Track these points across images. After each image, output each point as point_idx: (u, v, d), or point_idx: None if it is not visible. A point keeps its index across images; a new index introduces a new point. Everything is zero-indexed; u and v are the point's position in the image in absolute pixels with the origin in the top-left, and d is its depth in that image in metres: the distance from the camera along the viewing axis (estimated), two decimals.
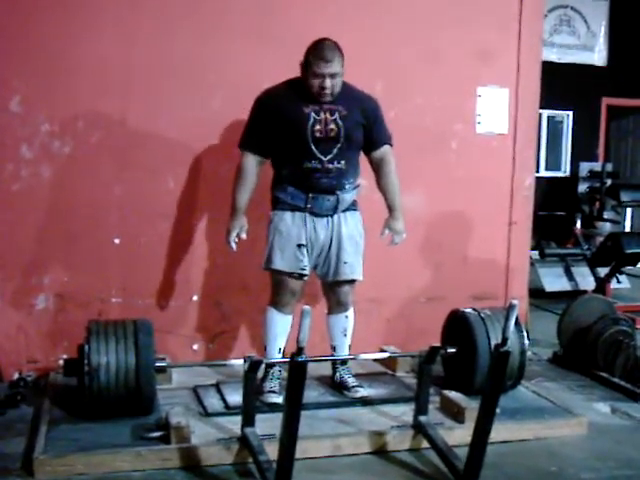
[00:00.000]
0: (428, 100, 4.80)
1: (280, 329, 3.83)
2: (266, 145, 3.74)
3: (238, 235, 3.75)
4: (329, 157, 3.67)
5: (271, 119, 3.68)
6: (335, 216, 3.78)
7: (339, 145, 3.67)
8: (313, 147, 3.64)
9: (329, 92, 3.60)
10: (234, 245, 3.76)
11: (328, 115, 3.65)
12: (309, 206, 3.72)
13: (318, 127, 3.63)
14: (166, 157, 4.39)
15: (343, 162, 3.70)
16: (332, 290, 3.93)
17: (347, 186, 3.76)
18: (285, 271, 3.74)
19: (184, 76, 4.37)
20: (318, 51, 3.57)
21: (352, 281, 3.90)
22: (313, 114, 3.64)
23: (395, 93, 4.68)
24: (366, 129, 3.78)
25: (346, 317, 3.96)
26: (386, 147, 3.86)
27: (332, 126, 3.65)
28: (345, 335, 3.97)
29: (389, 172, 3.85)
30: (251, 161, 3.75)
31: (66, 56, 4.20)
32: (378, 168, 3.86)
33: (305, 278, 3.80)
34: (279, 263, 3.74)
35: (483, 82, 4.92)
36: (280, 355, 3.83)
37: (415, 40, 4.74)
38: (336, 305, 3.95)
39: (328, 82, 3.58)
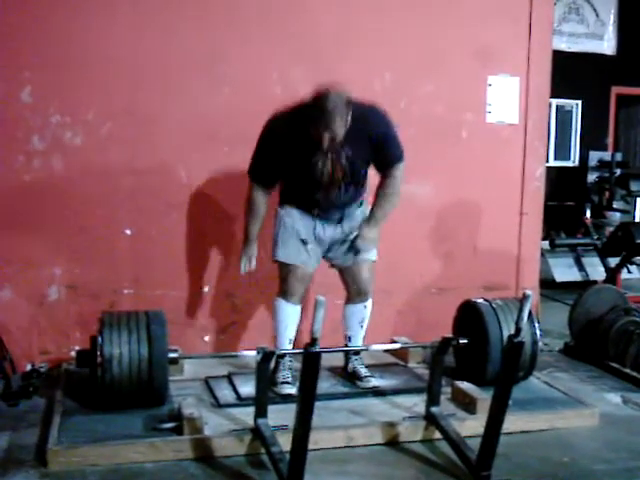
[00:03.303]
0: (438, 89, 4.78)
1: (289, 319, 3.84)
2: (274, 177, 3.76)
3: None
4: (334, 192, 3.67)
5: (279, 155, 3.60)
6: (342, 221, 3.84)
7: (345, 183, 3.66)
8: (320, 186, 3.64)
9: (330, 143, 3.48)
10: (243, 271, 3.91)
11: (335, 160, 3.55)
12: (315, 213, 3.78)
13: (326, 173, 3.57)
14: (177, 148, 4.39)
15: (349, 194, 3.72)
16: (352, 277, 3.92)
17: (353, 204, 3.82)
18: (287, 262, 3.78)
19: (194, 67, 4.36)
20: (319, 116, 3.35)
21: (371, 263, 3.91)
22: (320, 162, 3.54)
23: (405, 81, 4.67)
24: (376, 157, 3.67)
25: (365, 307, 3.96)
26: (395, 166, 3.72)
27: (339, 172, 3.58)
28: (362, 326, 3.98)
29: (389, 187, 3.72)
30: (260, 194, 3.75)
31: (76, 47, 4.19)
32: (383, 179, 3.76)
33: (309, 272, 3.83)
34: (281, 254, 3.80)
35: (494, 71, 4.89)
36: (290, 345, 3.84)
37: (426, 28, 4.72)
38: (356, 294, 3.94)
39: (328, 141, 3.43)
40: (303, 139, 3.48)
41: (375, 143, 3.61)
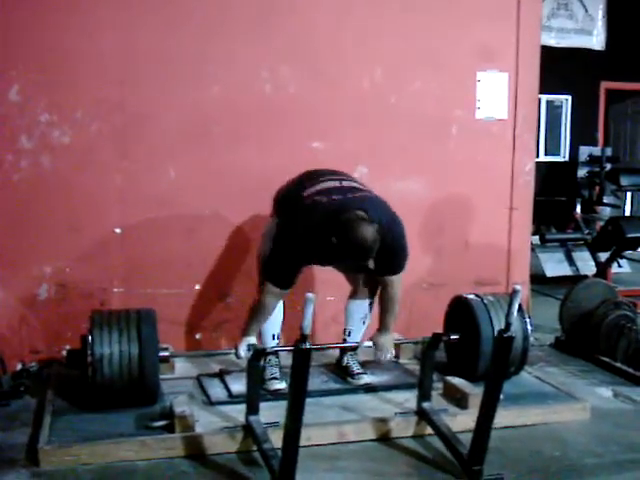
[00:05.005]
0: (427, 85, 4.78)
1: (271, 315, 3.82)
2: (293, 277, 3.50)
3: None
4: None
5: (300, 259, 3.48)
6: None
7: None
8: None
9: None
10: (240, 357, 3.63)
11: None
12: None
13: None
14: (166, 146, 4.38)
15: None
16: (355, 276, 3.91)
17: None
18: None
19: (183, 66, 4.35)
20: (355, 250, 3.25)
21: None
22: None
23: (395, 78, 4.67)
24: (381, 260, 3.45)
25: (369, 304, 3.94)
26: (396, 273, 3.64)
27: None
28: (364, 322, 3.97)
29: (389, 296, 3.69)
30: (273, 298, 3.53)
31: (65, 45, 4.17)
32: (382, 287, 3.72)
33: None
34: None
35: (483, 67, 4.89)
36: (275, 341, 3.83)
37: (415, 25, 4.72)
38: (361, 290, 3.92)
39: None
40: (327, 251, 3.35)
41: (385, 250, 3.44)
